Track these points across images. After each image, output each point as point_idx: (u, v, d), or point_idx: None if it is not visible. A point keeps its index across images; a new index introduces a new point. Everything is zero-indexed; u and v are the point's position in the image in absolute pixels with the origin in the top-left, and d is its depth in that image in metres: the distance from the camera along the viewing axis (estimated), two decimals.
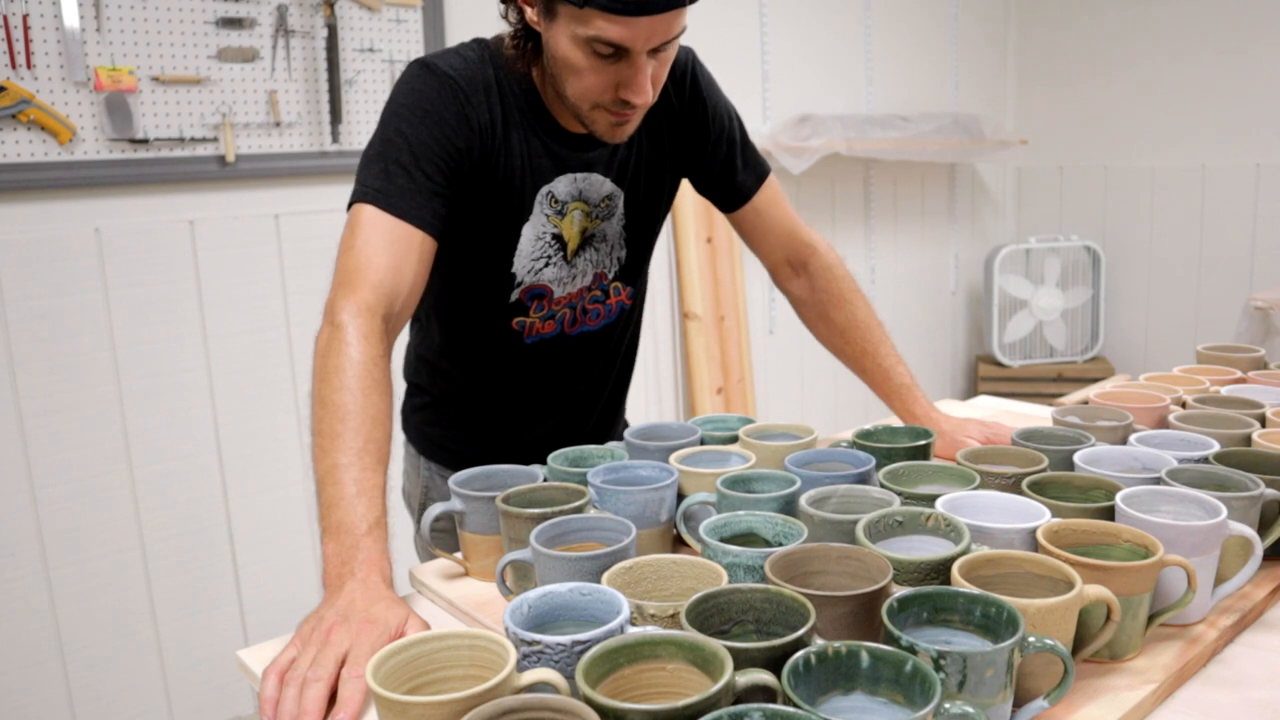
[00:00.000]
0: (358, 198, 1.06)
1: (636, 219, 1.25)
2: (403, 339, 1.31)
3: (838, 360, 1.35)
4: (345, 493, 0.86)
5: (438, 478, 1.35)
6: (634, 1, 0.96)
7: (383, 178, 1.05)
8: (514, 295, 1.19)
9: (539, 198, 1.15)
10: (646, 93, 1.03)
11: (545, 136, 1.14)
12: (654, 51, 1.02)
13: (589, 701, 0.59)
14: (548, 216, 1.16)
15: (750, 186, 1.30)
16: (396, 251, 1.03)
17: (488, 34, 1.16)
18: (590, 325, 1.26)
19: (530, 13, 1.05)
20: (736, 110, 1.31)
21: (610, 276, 1.25)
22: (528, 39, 1.09)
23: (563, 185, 1.16)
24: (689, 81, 1.24)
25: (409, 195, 1.04)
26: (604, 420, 1.38)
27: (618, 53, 1.00)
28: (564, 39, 1.01)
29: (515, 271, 1.17)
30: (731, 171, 1.29)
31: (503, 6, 1.10)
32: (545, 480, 1.03)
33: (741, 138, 1.30)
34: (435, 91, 1.08)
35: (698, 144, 1.26)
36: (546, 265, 1.18)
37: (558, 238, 1.17)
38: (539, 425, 1.30)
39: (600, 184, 1.18)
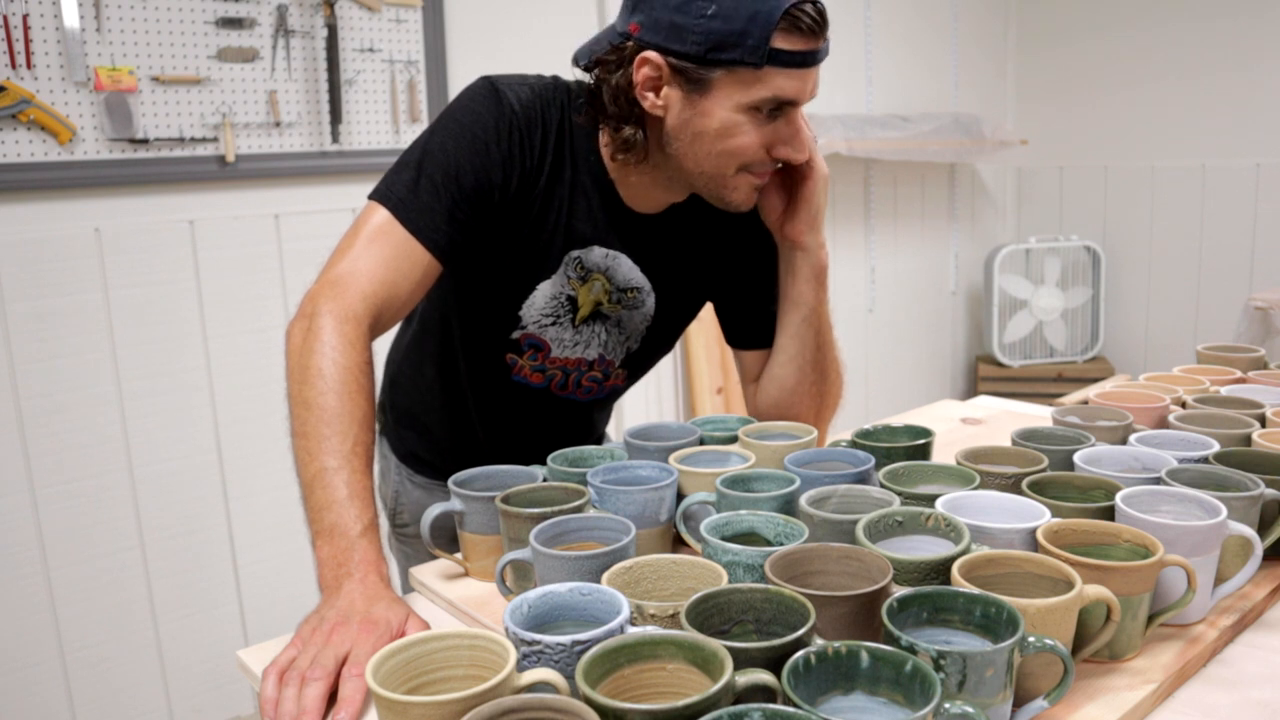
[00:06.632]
0: (380, 198, 1.04)
1: (664, 318, 1.22)
2: (393, 330, 1.30)
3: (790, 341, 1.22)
4: (336, 496, 0.86)
5: (408, 483, 1.34)
6: (810, 51, 0.97)
7: (410, 188, 1.04)
8: (514, 334, 1.17)
9: (566, 260, 1.13)
10: (806, 148, 1.05)
11: (598, 202, 1.12)
12: None
13: (589, 701, 0.59)
14: (569, 279, 1.14)
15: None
16: (398, 267, 1.02)
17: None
18: (579, 397, 1.25)
19: (653, 99, 1.02)
20: None
21: (617, 364, 1.23)
22: (639, 128, 1.04)
23: (595, 255, 1.14)
24: None
25: (429, 214, 1.03)
26: None
27: (779, 109, 1.01)
28: (722, 109, 1.00)
29: (521, 316, 1.16)
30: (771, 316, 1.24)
31: (608, 93, 1.03)
32: (545, 480, 1.03)
33: None
34: (492, 119, 1.06)
35: (760, 277, 1.23)
36: (554, 324, 1.16)
37: (571, 300, 1.15)
38: (508, 459, 1.28)
39: (629, 270, 1.16)
